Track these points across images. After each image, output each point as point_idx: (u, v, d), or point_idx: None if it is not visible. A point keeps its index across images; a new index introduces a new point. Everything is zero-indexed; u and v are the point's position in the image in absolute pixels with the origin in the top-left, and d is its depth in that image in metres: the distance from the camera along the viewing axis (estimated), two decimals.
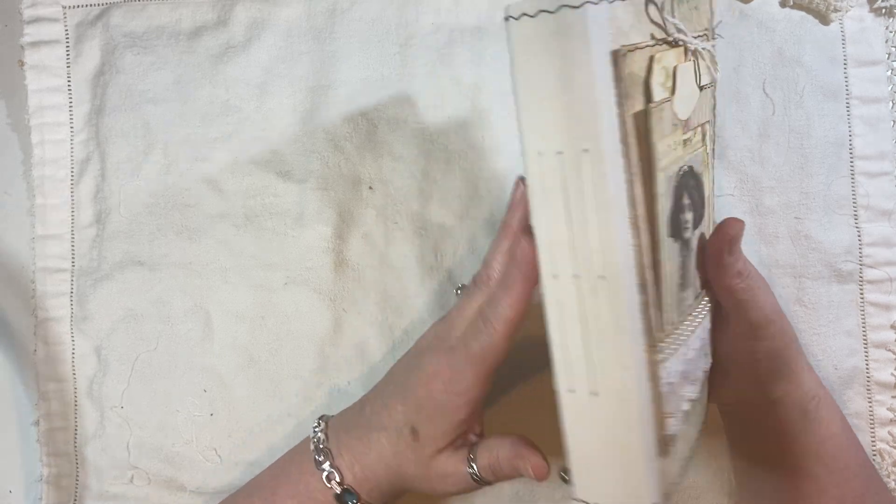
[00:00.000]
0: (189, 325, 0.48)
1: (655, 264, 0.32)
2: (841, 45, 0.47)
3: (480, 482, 0.37)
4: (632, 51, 0.28)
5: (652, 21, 0.30)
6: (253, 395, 0.47)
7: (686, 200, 0.34)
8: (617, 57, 0.28)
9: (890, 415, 0.46)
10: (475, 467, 0.37)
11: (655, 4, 0.30)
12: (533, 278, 0.33)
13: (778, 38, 0.47)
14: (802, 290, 0.46)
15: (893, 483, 0.46)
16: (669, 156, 0.32)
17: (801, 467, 0.39)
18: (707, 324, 0.38)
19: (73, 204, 0.48)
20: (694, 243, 0.36)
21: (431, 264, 0.47)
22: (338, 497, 0.38)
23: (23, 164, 0.49)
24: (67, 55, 0.48)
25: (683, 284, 0.35)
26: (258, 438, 0.47)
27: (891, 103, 0.47)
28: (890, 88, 0.47)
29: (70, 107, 0.48)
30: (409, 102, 0.48)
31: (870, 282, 0.46)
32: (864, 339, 0.47)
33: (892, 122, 0.47)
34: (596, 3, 0.27)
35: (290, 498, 0.39)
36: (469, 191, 0.47)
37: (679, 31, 0.32)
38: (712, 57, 0.35)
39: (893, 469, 0.46)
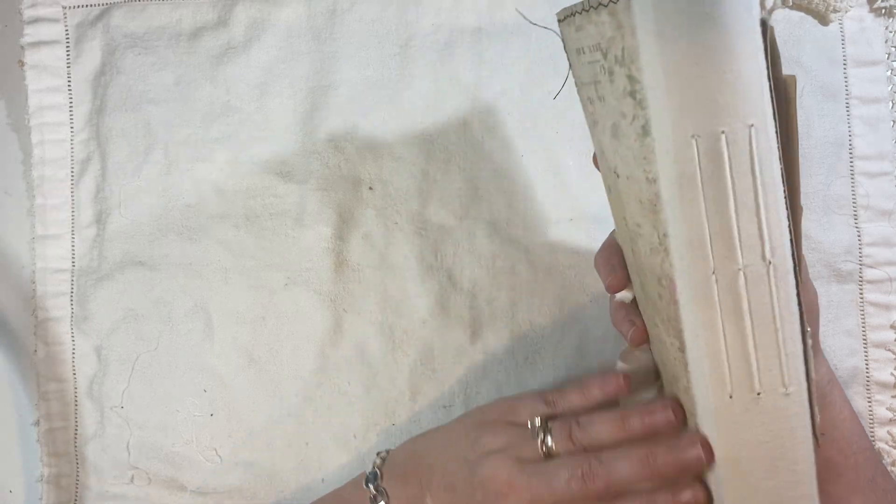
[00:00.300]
0: (189, 325, 0.48)
1: (798, 243, 0.29)
2: (840, 46, 0.47)
3: None
4: (766, 19, 0.27)
5: None
6: (253, 395, 0.47)
7: None
8: (764, 25, 0.26)
9: (889, 414, 0.46)
10: None
11: None
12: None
13: (777, 38, 0.47)
14: None
15: None
16: None
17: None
18: None
19: (73, 204, 0.48)
20: None
21: (431, 264, 0.47)
22: None
23: (23, 164, 0.49)
24: (67, 55, 0.48)
25: None
26: (258, 438, 0.47)
27: (890, 103, 0.47)
28: (890, 88, 0.47)
29: (70, 107, 0.49)
30: (409, 103, 0.48)
31: (870, 282, 0.46)
32: (864, 339, 0.47)
33: (891, 122, 0.47)
34: None
35: None
36: (469, 191, 0.47)
37: None
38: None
39: (893, 469, 0.46)
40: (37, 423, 0.48)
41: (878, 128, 0.46)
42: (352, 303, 0.47)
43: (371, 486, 0.39)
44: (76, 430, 0.48)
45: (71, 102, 0.48)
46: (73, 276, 0.48)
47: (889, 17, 0.47)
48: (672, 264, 0.29)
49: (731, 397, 0.30)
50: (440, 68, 0.48)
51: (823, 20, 0.47)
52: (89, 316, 0.48)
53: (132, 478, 0.48)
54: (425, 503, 0.37)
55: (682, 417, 0.33)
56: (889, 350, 0.46)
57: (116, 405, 0.48)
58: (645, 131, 0.28)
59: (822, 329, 0.46)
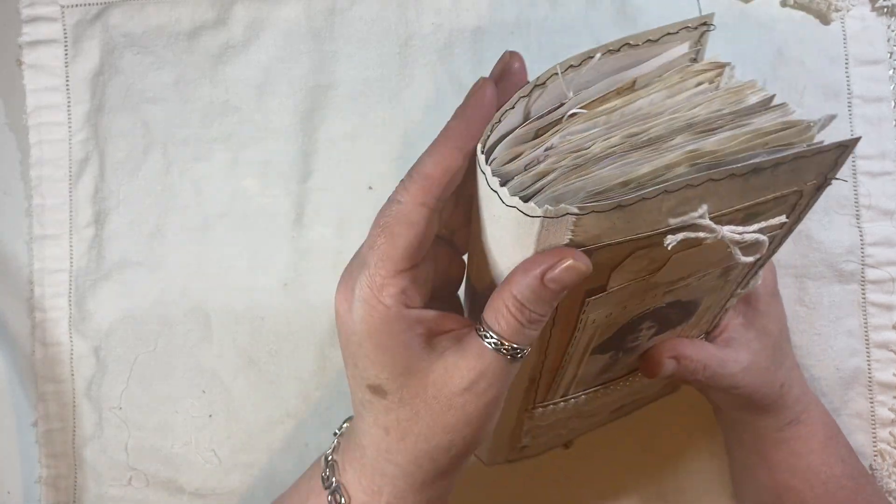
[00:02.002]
0: (188, 325, 0.47)
1: (556, 370, 0.32)
2: (842, 45, 0.46)
3: (513, 353, 0.27)
4: (601, 248, 0.25)
5: (659, 215, 0.25)
6: (252, 396, 0.47)
7: (646, 324, 0.32)
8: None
9: (891, 415, 0.46)
10: (495, 336, 0.27)
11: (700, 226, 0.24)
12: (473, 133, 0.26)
13: (778, 37, 0.46)
14: (804, 291, 0.46)
15: (894, 484, 0.46)
16: (607, 317, 0.30)
17: (776, 480, 0.40)
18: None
19: (71, 204, 0.48)
20: (649, 344, 0.34)
21: None
22: None
23: (21, 165, 0.49)
24: (66, 55, 0.48)
25: (607, 369, 0.35)
26: (257, 440, 0.47)
27: (892, 102, 0.46)
28: (892, 87, 0.46)
29: (68, 106, 0.48)
30: (409, 102, 0.48)
31: (872, 282, 0.46)
32: (866, 340, 0.46)
33: (894, 122, 0.46)
34: (553, 218, 0.23)
35: None
36: None
37: (710, 231, 0.25)
38: (760, 241, 0.26)
39: (894, 469, 0.46)
40: (35, 424, 0.48)
41: (881, 127, 0.46)
42: None
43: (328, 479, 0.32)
44: (74, 431, 0.48)
45: (69, 102, 0.48)
46: (71, 276, 0.48)
47: (891, 16, 0.46)
48: None
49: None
50: (440, 68, 0.47)
51: (825, 19, 0.47)
52: (87, 316, 0.48)
53: (130, 479, 0.47)
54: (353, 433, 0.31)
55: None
56: (891, 350, 0.46)
57: (115, 406, 0.48)
58: None
59: (823, 330, 0.46)
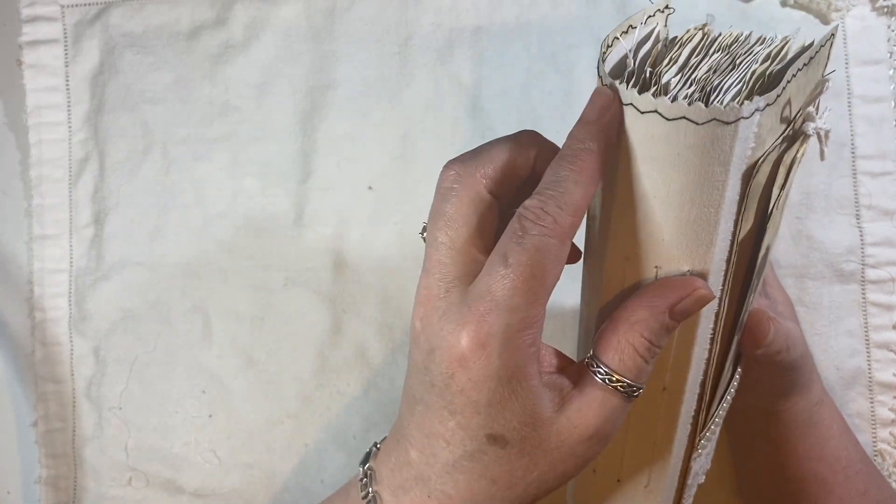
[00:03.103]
0: (188, 325, 0.47)
1: (718, 374, 0.30)
2: (843, 45, 0.46)
3: (630, 391, 0.26)
4: (764, 160, 0.25)
5: (783, 119, 0.26)
6: (252, 396, 0.47)
7: (753, 284, 0.31)
8: (749, 174, 0.25)
9: (891, 415, 0.46)
10: (617, 378, 0.25)
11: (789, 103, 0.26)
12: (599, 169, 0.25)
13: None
14: (804, 291, 0.46)
15: (894, 484, 0.46)
16: (762, 256, 0.29)
17: (804, 469, 0.40)
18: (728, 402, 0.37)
19: (71, 204, 0.48)
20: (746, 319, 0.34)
21: None
22: None
23: (20, 164, 0.49)
24: (66, 54, 0.48)
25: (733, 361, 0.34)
26: (257, 440, 0.47)
27: (893, 102, 0.46)
28: (892, 87, 0.46)
29: (68, 106, 0.48)
30: (409, 102, 0.48)
31: (872, 282, 0.46)
32: (866, 340, 0.46)
33: (894, 122, 0.46)
34: (748, 117, 0.23)
35: None
36: None
37: (810, 117, 0.27)
38: (826, 133, 0.29)
39: (894, 469, 0.46)
40: (35, 425, 0.48)
41: (881, 127, 0.46)
42: (351, 303, 0.47)
43: (361, 468, 0.30)
44: (74, 431, 0.48)
45: (69, 102, 0.48)
46: (71, 276, 0.48)
47: (891, 16, 0.46)
48: None
49: (605, 475, 0.31)
50: (440, 68, 0.47)
51: (825, 19, 0.46)
52: (87, 316, 0.48)
53: (130, 479, 0.47)
54: (411, 461, 0.27)
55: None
56: (891, 350, 0.46)
57: (115, 406, 0.48)
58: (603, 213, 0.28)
59: (823, 330, 0.46)
